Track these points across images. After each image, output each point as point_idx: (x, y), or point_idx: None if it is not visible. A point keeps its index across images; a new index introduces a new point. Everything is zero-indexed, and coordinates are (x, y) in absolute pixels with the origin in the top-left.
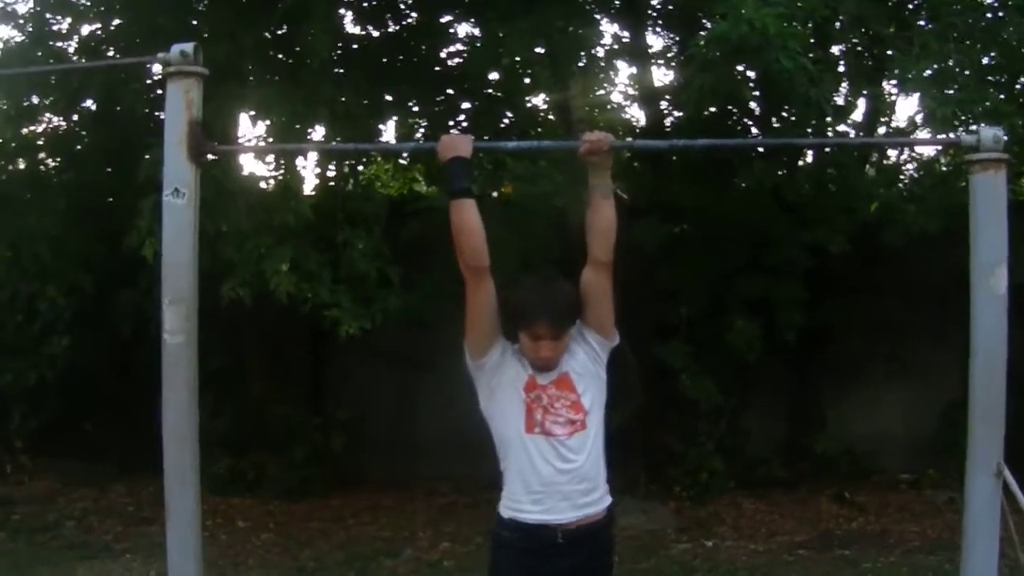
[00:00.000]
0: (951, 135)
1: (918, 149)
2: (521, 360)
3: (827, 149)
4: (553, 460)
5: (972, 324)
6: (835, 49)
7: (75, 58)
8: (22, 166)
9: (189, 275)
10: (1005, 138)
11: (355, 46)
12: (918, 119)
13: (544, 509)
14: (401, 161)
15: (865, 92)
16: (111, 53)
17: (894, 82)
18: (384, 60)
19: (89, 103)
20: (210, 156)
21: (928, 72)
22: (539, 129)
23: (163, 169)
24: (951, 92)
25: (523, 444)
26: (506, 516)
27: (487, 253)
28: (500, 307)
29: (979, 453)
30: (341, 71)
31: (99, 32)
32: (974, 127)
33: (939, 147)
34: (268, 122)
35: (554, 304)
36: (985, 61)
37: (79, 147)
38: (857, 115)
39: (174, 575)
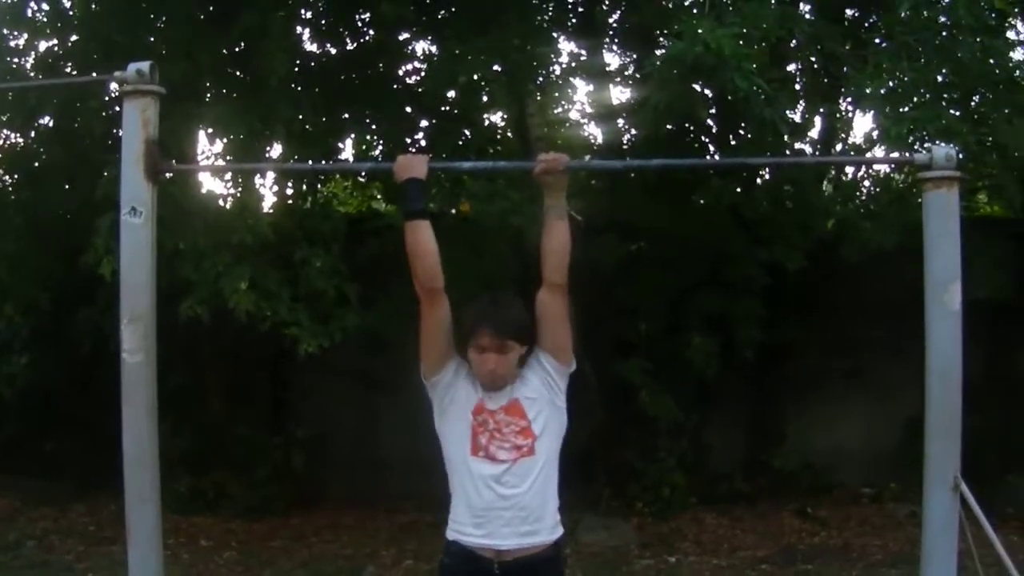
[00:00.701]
0: (905, 153)
1: (875, 166)
2: (474, 383)
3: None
4: (494, 486)
5: (927, 340)
6: (791, 67)
7: (32, 75)
8: None
9: (147, 294)
10: (960, 156)
11: (312, 64)
12: (874, 135)
13: (485, 533)
14: (360, 179)
15: (822, 110)
16: (69, 69)
17: (850, 99)
18: (342, 78)
19: (47, 120)
20: (167, 174)
21: (882, 90)
22: (498, 147)
23: (120, 188)
24: (905, 111)
25: (467, 467)
26: (451, 538)
27: (441, 274)
28: (454, 326)
29: (936, 468)
30: (299, 88)
31: (56, 49)
32: (928, 145)
33: (893, 165)
34: (226, 140)
35: (497, 315)
36: (939, 79)
37: (37, 164)
38: (814, 132)
39: None
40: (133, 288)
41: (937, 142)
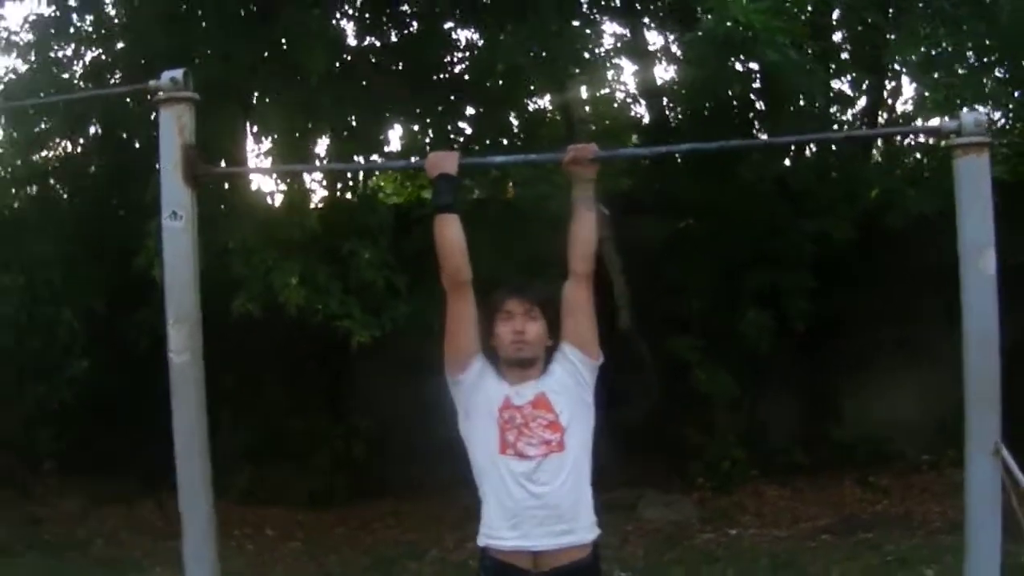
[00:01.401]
0: (939, 120)
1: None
2: (499, 380)
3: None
4: (525, 483)
5: (963, 306)
6: (836, 37)
7: (80, 83)
8: (33, 191)
9: (191, 294)
10: (1002, 120)
11: (347, 57)
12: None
13: (520, 535)
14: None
15: (867, 82)
16: (117, 76)
17: (890, 67)
18: (386, 69)
19: (95, 128)
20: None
21: (921, 58)
22: (544, 131)
23: (160, 193)
24: (942, 77)
25: (496, 466)
26: (482, 544)
27: (468, 267)
28: (480, 317)
29: (976, 434)
30: (343, 82)
31: (103, 57)
32: (965, 111)
33: (923, 133)
34: (271, 138)
35: (523, 286)
36: (987, 42)
37: (90, 170)
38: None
39: None
40: (177, 289)
41: (978, 107)
